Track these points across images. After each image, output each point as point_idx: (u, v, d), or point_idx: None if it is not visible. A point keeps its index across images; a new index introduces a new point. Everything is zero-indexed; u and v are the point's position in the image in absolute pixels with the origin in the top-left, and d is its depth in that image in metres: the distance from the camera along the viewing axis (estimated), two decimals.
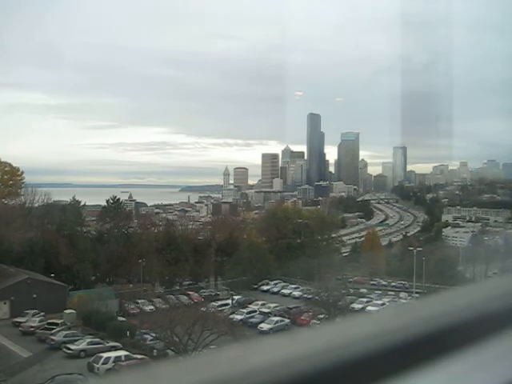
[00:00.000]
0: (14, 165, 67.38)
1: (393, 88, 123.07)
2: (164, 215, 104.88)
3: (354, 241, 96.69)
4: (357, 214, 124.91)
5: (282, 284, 62.31)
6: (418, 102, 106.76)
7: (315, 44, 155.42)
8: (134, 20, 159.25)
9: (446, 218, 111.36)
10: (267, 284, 62.71)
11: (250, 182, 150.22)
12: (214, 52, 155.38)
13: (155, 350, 35.37)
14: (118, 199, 72.70)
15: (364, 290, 60.86)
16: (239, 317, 46.18)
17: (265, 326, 43.51)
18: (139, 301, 52.22)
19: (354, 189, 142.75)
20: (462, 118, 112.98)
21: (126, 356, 33.55)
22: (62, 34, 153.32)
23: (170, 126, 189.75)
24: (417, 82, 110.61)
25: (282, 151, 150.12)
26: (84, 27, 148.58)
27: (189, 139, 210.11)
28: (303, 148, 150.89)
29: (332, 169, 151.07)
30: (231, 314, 46.58)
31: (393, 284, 66.32)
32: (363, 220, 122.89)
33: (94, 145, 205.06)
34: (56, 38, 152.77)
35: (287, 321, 45.45)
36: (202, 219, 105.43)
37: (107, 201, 70.41)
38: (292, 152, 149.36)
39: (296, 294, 57.48)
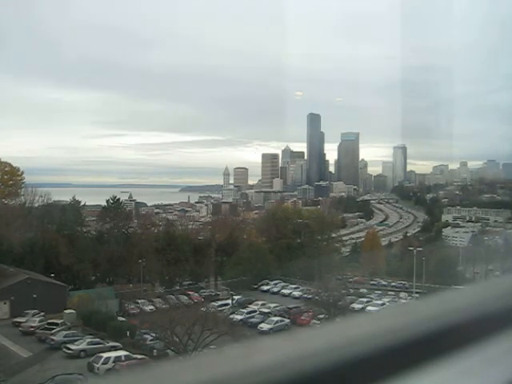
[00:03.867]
0: (14, 165, 67.62)
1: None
2: (164, 215, 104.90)
3: (354, 241, 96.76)
4: (357, 214, 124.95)
5: (282, 284, 62.21)
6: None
7: None
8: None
9: (445, 217, 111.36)
10: (267, 284, 62.62)
11: (250, 182, 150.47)
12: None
13: (155, 350, 35.34)
14: (118, 199, 72.67)
15: (364, 290, 60.89)
16: (239, 317, 46.10)
17: (265, 326, 43.43)
18: (139, 301, 52.17)
19: (354, 189, 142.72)
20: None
21: (125, 356, 33.50)
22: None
23: (170, 127, 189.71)
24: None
25: (282, 151, 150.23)
26: None
27: (188, 139, 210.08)
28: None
29: (332, 169, 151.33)
30: (231, 313, 46.50)
31: (393, 284, 66.34)
32: (363, 220, 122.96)
33: (95, 145, 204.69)
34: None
35: (287, 321, 45.35)
36: (202, 219, 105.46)
37: (107, 201, 70.38)
38: (292, 152, 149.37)
39: (296, 293, 57.40)
